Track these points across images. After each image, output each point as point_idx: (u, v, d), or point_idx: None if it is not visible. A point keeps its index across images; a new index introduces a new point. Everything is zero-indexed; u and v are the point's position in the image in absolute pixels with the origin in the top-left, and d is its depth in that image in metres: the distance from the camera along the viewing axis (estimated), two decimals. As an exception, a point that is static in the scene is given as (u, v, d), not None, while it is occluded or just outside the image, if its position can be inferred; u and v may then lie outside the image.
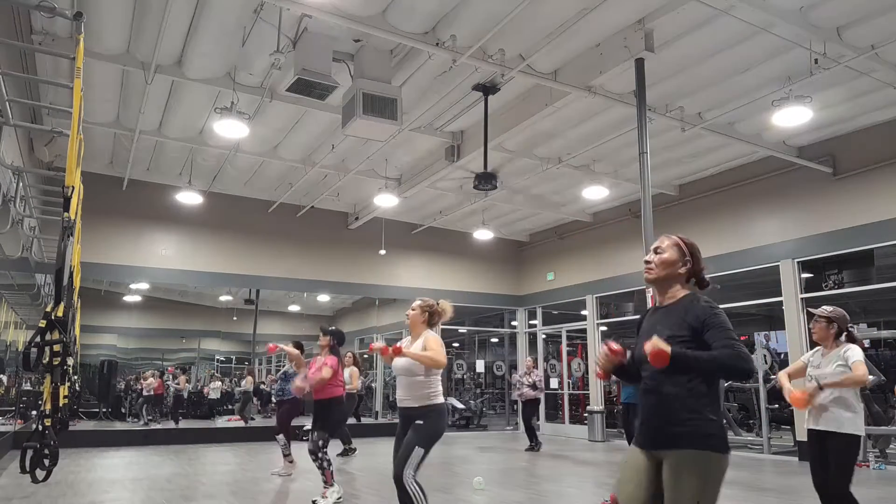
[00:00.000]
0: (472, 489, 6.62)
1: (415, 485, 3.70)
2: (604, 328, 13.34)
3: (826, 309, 4.10)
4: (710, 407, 2.27)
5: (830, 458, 3.87)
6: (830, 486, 3.83)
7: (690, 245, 2.49)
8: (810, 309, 4.24)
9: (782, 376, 4.28)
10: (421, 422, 3.80)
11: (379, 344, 4.04)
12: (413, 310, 4.08)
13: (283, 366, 8.11)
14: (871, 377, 8.76)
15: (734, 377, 2.31)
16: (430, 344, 3.88)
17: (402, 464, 3.72)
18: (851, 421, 3.85)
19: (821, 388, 3.92)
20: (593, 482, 7.59)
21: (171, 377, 14.64)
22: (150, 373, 13.91)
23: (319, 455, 5.82)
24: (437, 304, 4.13)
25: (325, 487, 5.79)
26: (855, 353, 3.91)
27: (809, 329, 4.22)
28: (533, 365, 11.46)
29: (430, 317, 4.08)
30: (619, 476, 2.46)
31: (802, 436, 9.18)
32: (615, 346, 2.52)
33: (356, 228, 13.38)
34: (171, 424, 13.16)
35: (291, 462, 7.50)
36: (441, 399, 3.89)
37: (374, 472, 7.80)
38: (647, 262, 2.50)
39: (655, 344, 2.23)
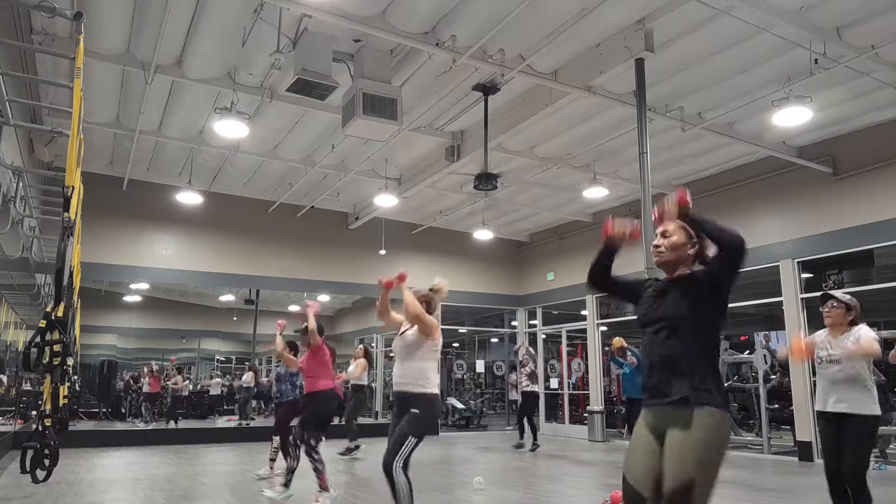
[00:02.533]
0: (472, 489, 6.61)
1: (402, 476, 3.67)
2: (604, 328, 13.34)
3: (845, 295, 4.05)
4: (712, 367, 2.39)
5: (847, 443, 3.78)
6: (846, 473, 3.74)
7: None
8: (829, 292, 4.18)
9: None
10: (417, 410, 3.78)
11: (386, 277, 4.05)
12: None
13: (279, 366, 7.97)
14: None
15: (732, 244, 2.34)
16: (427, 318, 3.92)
17: (393, 454, 3.70)
18: (868, 401, 3.79)
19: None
20: (593, 482, 7.59)
21: (168, 375, 14.60)
22: (148, 370, 13.82)
23: (309, 454, 5.74)
24: (431, 289, 4.12)
25: (318, 491, 5.72)
26: (867, 331, 3.89)
27: (822, 312, 4.13)
28: (529, 357, 11.49)
29: (429, 307, 4.07)
30: (626, 457, 2.49)
31: (802, 436, 9.22)
32: (638, 231, 2.64)
33: (356, 228, 13.38)
34: (169, 424, 13.14)
35: (272, 468, 7.28)
36: (436, 389, 3.89)
37: (374, 472, 7.79)
38: (657, 246, 2.57)
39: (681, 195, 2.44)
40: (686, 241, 2.54)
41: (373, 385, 16.55)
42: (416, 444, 3.73)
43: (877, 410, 3.82)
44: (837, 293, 4.10)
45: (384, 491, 3.85)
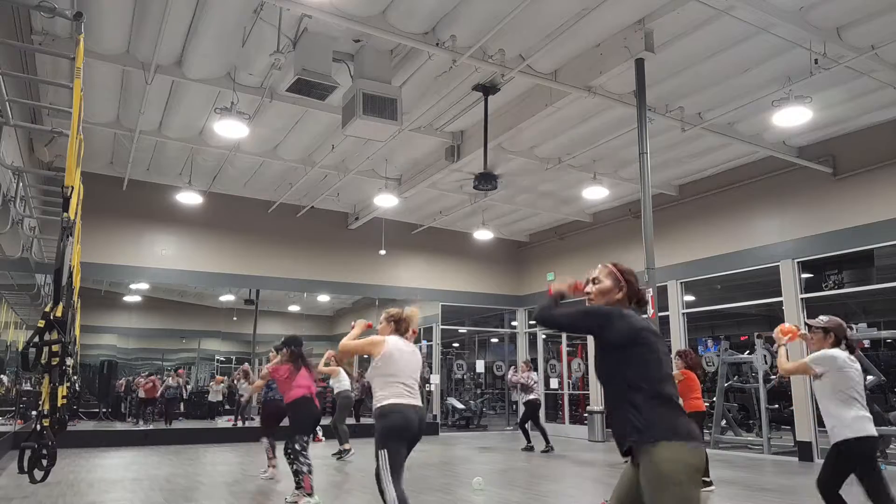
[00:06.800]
0: (472, 489, 6.61)
1: (390, 488, 3.79)
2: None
3: (822, 319, 4.08)
4: (650, 401, 2.37)
5: (855, 472, 3.80)
6: (872, 500, 3.76)
7: (624, 271, 2.65)
8: (808, 321, 4.22)
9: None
10: (375, 425, 3.97)
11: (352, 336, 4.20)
12: (381, 323, 4.23)
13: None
14: (871, 377, 8.78)
15: (538, 321, 2.62)
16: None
17: (378, 471, 3.85)
18: (838, 428, 3.79)
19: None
20: (593, 482, 7.58)
21: (169, 379, 14.62)
22: (144, 374, 13.97)
23: (296, 458, 5.76)
24: (404, 311, 4.26)
25: (305, 496, 5.70)
26: (823, 351, 3.92)
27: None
28: (525, 368, 11.36)
29: (398, 325, 4.19)
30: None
31: (802, 436, 9.23)
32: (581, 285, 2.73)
33: (356, 228, 13.38)
34: (163, 425, 13.14)
35: (274, 467, 7.33)
36: (388, 401, 3.96)
37: (367, 472, 7.77)
38: (588, 293, 2.66)
39: (560, 283, 2.56)
40: (613, 286, 2.61)
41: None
42: (387, 454, 3.85)
43: (847, 434, 3.77)
44: (814, 321, 4.12)
45: (374, 489, 3.90)
